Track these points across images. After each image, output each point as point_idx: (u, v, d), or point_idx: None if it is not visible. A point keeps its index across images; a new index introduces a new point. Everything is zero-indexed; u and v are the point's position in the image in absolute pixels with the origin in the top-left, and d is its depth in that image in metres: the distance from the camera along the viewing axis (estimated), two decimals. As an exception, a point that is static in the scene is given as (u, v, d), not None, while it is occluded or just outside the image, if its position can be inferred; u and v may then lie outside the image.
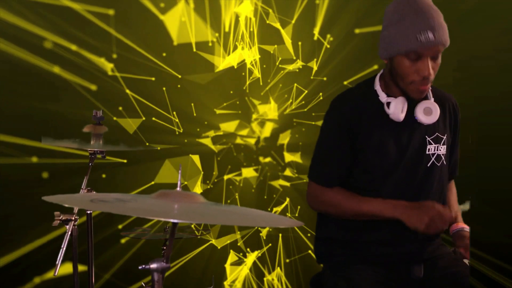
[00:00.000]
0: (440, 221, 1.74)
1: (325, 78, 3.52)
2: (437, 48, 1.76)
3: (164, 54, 3.36)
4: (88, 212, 2.31)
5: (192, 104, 3.43)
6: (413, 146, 1.90)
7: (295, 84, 3.53)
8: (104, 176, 3.27)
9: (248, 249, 3.51)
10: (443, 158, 1.95)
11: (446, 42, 1.77)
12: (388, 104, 1.87)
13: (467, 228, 2.01)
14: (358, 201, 1.88)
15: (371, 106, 1.91)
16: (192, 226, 2.97)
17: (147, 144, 3.31)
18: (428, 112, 1.87)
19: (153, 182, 3.38)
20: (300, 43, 3.51)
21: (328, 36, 3.50)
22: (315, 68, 3.52)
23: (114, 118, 3.26)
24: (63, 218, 2.13)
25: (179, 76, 3.40)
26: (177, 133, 3.42)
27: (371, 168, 1.90)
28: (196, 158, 3.46)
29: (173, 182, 3.39)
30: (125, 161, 3.30)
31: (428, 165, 1.92)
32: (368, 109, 1.90)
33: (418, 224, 1.75)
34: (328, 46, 3.50)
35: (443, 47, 1.78)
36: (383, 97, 1.90)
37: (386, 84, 1.93)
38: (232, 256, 3.49)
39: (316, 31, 3.49)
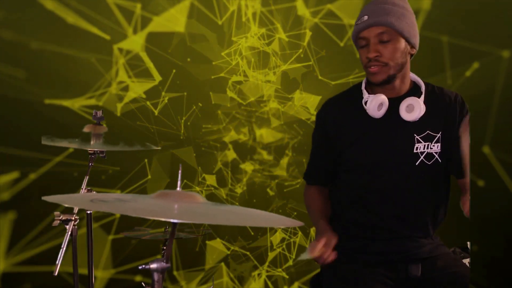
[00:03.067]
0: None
1: (331, 83, 3.52)
2: (376, 29, 1.83)
3: (169, 51, 3.37)
4: (88, 212, 2.31)
5: (194, 107, 3.43)
6: (398, 145, 1.91)
7: (300, 84, 3.53)
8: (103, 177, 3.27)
9: (248, 249, 3.51)
10: (436, 156, 1.92)
11: (383, 22, 1.83)
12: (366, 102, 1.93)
13: None
14: (313, 212, 2.04)
15: (355, 107, 1.96)
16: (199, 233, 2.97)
17: (159, 143, 3.30)
18: (410, 109, 1.89)
19: (148, 180, 3.37)
20: (300, 43, 3.52)
21: (331, 34, 3.50)
22: (316, 68, 3.52)
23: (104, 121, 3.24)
24: (63, 218, 2.13)
25: (181, 65, 3.39)
26: (181, 137, 3.42)
27: (353, 167, 1.95)
28: (196, 158, 3.46)
29: (173, 182, 3.39)
30: (118, 168, 3.28)
31: (417, 164, 1.90)
32: (351, 110, 1.96)
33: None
34: (327, 48, 3.51)
35: (384, 27, 1.83)
36: (365, 95, 1.95)
37: (368, 84, 2.00)
38: (232, 256, 3.49)
39: (313, 32, 3.50)
